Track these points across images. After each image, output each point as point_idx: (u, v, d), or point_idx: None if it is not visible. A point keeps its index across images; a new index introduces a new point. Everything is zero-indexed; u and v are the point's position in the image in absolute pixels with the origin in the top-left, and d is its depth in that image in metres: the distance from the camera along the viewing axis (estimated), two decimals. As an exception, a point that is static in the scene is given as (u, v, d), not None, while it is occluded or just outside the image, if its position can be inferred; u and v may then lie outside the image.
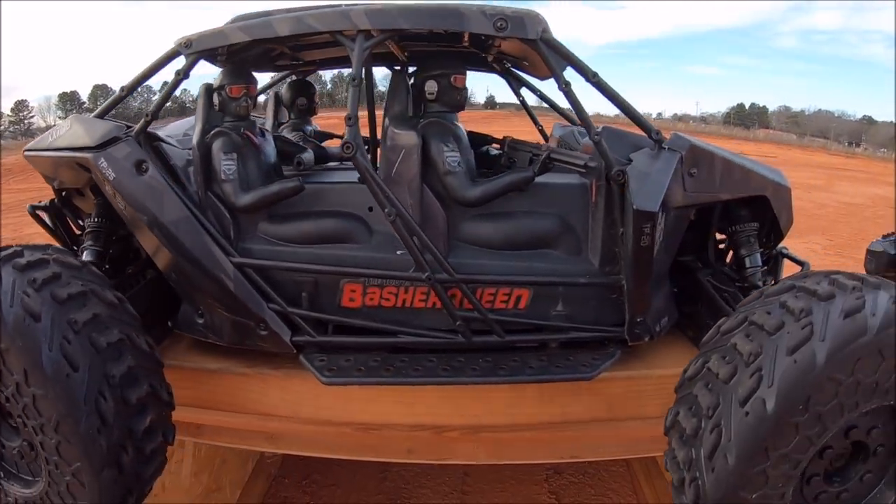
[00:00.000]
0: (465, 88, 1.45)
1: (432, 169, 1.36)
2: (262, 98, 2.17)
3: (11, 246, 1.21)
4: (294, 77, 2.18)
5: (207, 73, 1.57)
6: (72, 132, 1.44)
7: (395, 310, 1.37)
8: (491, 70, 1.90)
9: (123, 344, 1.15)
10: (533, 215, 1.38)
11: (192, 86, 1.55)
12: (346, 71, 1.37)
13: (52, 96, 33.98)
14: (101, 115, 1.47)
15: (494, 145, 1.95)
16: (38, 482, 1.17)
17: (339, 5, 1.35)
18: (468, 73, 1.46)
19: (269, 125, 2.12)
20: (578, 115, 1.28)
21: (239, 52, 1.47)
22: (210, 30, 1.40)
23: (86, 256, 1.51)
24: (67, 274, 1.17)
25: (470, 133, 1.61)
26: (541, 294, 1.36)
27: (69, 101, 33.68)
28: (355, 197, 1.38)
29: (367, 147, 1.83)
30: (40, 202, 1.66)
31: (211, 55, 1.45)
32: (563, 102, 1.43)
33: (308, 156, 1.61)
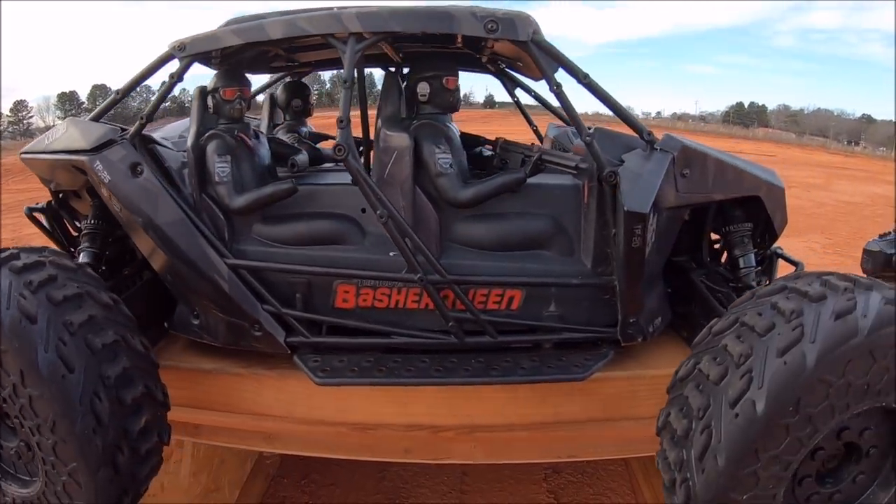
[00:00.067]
0: (457, 90, 1.45)
1: (424, 170, 1.36)
2: (259, 98, 2.17)
3: (8, 248, 1.21)
4: (289, 78, 2.18)
5: (204, 74, 1.57)
6: (68, 135, 1.44)
7: (388, 311, 1.38)
8: (485, 71, 1.90)
9: (118, 345, 1.16)
10: (525, 216, 1.38)
11: (191, 86, 1.56)
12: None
13: (51, 96, 34.08)
14: (96, 118, 1.48)
15: (487, 146, 1.95)
16: (35, 482, 1.18)
17: (332, 8, 1.35)
18: (466, 73, 1.47)
19: (264, 126, 2.12)
20: (570, 116, 1.29)
21: (233, 54, 1.48)
22: (203, 33, 1.40)
23: (82, 258, 1.52)
24: (63, 276, 1.18)
25: (462, 134, 1.62)
26: (533, 295, 1.36)
27: (68, 102, 33.71)
28: (348, 198, 1.39)
29: (360, 149, 1.83)
30: (37, 204, 1.67)
31: (205, 58, 1.46)
32: (556, 102, 1.43)
33: (302, 157, 1.61)
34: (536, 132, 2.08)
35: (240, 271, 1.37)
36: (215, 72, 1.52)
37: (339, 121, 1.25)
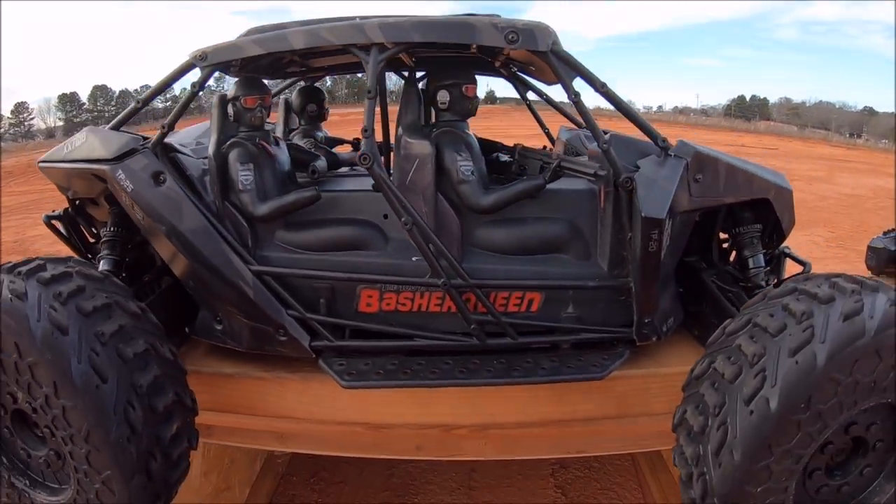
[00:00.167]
0: (476, 97, 1.48)
1: (446, 177, 1.39)
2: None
3: (33, 259, 1.23)
4: (303, 83, 2.20)
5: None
6: (88, 144, 1.46)
7: (411, 314, 1.41)
8: (498, 74, 1.92)
9: (149, 354, 1.19)
10: (544, 221, 1.42)
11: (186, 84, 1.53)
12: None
13: (52, 98, 33.90)
14: (116, 127, 1.50)
15: (504, 152, 1.97)
16: (65, 490, 1.21)
17: (354, 18, 1.37)
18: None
19: (279, 131, 2.14)
20: (587, 124, 1.32)
21: (251, 62, 1.50)
22: (225, 42, 1.42)
23: (103, 265, 1.54)
24: (91, 286, 1.19)
25: (480, 140, 1.64)
26: (552, 297, 1.40)
27: (69, 103, 33.54)
28: (370, 205, 1.42)
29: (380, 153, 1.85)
30: (54, 211, 1.69)
31: (225, 67, 1.48)
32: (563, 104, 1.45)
33: (321, 163, 1.64)
34: (548, 135, 2.11)
35: (264, 277, 1.40)
36: (235, 79, 1.55)
37: (364, 130, 1.28)
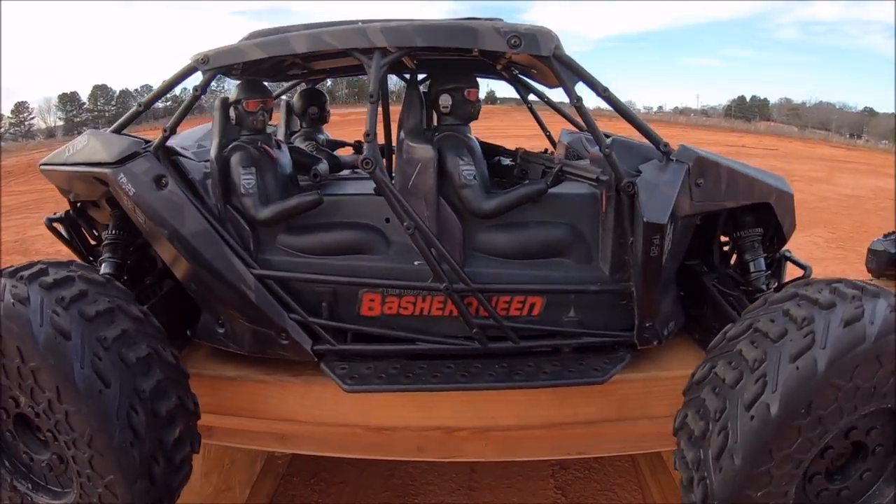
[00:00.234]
0: (478, 101, 1.48)
1: (448, 181, 1.39)
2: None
3: (34, 263, 1.23)
4: (304, 85, 2.20)
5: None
6: (89, 147, 1.46)
7: (412, 318, 1.42)
8: (500, 77, 1.92)
9: (151, 358, 1.19)
10: (545, 225, 1.42)
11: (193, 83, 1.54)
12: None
13: (52, 97, 33.91)
14: (117, 130, 1.50)
15: (506, 156, 1.97)
16: (68, 493, 1.21)
17: (356, 22, 1.37)
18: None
19: (281, 134, 2.14)
20: (590, 128, 1.32)
21: (253, 65, 1.50)
22: (227, 46, 1.42)
23: (105, 268, 1.54)
24: (93, 291, 1.19)
25: (482, 143, 1.64)
26: (553, 301, 1.41)
27: (69, 102, 33.55)
28: (372, 208, 1.42)
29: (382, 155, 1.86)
30: (55, 214, 1.69)
31: (226, 70, 1.48)
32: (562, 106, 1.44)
33: (323, 167, 1.64)
34: (550, 138, 2.11)
35: (266, 281, 1.40)
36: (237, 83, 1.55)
37: (366, 135, 1.28)
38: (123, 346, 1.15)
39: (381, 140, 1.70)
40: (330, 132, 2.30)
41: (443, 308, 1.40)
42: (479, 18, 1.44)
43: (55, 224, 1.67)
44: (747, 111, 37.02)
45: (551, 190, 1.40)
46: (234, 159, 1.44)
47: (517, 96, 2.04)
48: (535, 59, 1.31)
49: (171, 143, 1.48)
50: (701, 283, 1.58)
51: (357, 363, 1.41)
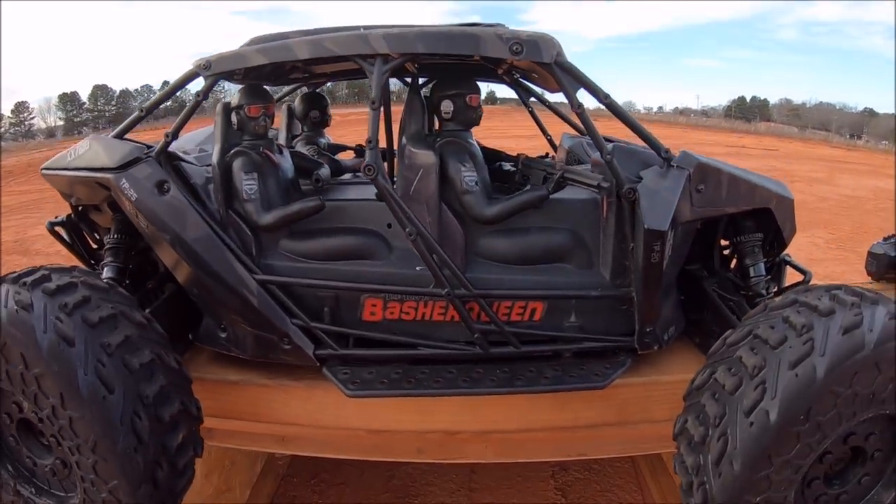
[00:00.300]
0: (479, 107, 1.49)
1: (450, 187, 1.40)
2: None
3: (37, 268, 1.23)
4: (306, 89, 2.21)
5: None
6: (91, 152, 1.46)
7: (414, 323, 1.42)
8: (501, 81, 1.93)
9: (154, 363, 1.19)
10: (547, 231, 1.43)
11: (193, 86, 1.55)
12: None
13: (52, 97, 33.93)
14: (119, 135, 1.50)
15: (508, 162, 1.98)
16: (71, 498, 1.22)
17: (359, 28, 1.38)
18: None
19: (282, 138, 2.15)
20: (591, 136, 1.32)
21: (255, 70, 1.51)
22: (229, 52, 1.43)
23: (106, 272, 1.55)
24: (97, 297, 1.20)
25: (483, 149, 1.65)
26: (555, 306, 1.41)
27: (69, 102, 33.58)
28: (374, 214, 1.43)
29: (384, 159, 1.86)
30: (57, 217, 1.69)
31: (228, 75, 1.49)
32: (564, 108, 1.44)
33: (325, 171, 1.64)
34: (550, 142, 2.12)
35: (268, 286, 1.41)
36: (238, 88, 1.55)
37: (368, 141, 1.29)
38: (127, 352, 1.16)
39: (382, 143, 1.71)
40: (330, 132, 2.30)
41: (444, 313, 1.41)
42: (480, 24, 1.44)
43: (57, 228, 1.67)
44: (747, 112, 37.02)
45: (553, 195, 1.40)
46: (236, 165, 1.44)
47: (517, 97, 2.04)
48: (536, 65, 1.32)
49: (172, 146, 1.48)
50: (701, 288, 1.59)
51: (359, 368, 1.42)
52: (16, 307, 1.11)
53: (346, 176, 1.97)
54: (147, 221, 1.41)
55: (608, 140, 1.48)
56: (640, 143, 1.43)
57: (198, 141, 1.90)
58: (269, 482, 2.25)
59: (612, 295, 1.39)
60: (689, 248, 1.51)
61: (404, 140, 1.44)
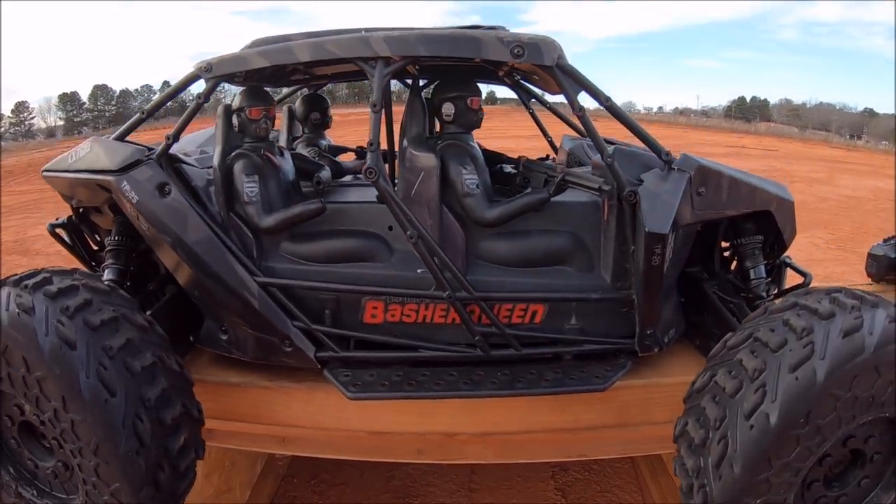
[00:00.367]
0: (480, 109, 1.49)
1: (451, 190, 1.40)
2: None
3: (38, 271, 1.23)
4: (306, 91, 2.21)
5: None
6: (92, 154, 1.47)
7: (415, 325, 1.43)
8: (502, 83, 1.93)
9: (156, 366, 1.19)
10: (548, 233, 1.43)
11: (194, 87, 1.54)
12: None
13: (53, 97, 33.93)
14: (120, 138, 1.50)
15: (509, 164, 1.98)
16: (73, 500, 1.22)
17: (360, 30, 1.38)
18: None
19: (283, 140, 2.14)
20: (592, 138, 1.32)
21: (256, 72, 1.51)
22: (230, 54, 1.43)
23: (107, 275, 1.55)
24: (98, 300, 1.20)
25: (484, 151, 1.65)
26: (555, 309, 1.42)
27: (69, 102, 33.58)
28: (375, 216, 1.43)
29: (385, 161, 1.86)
30: (58, 219, 1.69)
31: (229, 78, 1.49)
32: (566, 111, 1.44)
33: (326, 174, 1.64)
34: (551, 143, 2.12)
35: (269, 289, 1.41)
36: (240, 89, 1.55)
37: (370, 144, 1.29)
38: (128, 354, 1.16)
39: (383, 145, 1.71)
40: (330, 132, 2.30)
41: (445, 316, 1.41)
42: (481, 26, 1.45)
43: (57, 230, 1.68)
44: (747, 112, 37.02)
45: (553, 198, 1.40)
46: (237, 167, 1.45)
47: (517, 98, 2.04)
48: (538, 67, 1.32)
49: (173, 148, 1.48)
50: (701, 290, 1.59)
51: (360, 370, 1.42)
52: (17, 310, 1.11)
53: (347, 178, 1.97)
54: (148, 224, 1.41)
55: (608, 142, 1.48)
56: (640, 144, 1.44)
57: (199, 142, 1.90)
58: (270, 483, 2.25)
59: (613, 297, 1.39)
60: (689, 251, 1.51)
61: (405, 142, 1.44)
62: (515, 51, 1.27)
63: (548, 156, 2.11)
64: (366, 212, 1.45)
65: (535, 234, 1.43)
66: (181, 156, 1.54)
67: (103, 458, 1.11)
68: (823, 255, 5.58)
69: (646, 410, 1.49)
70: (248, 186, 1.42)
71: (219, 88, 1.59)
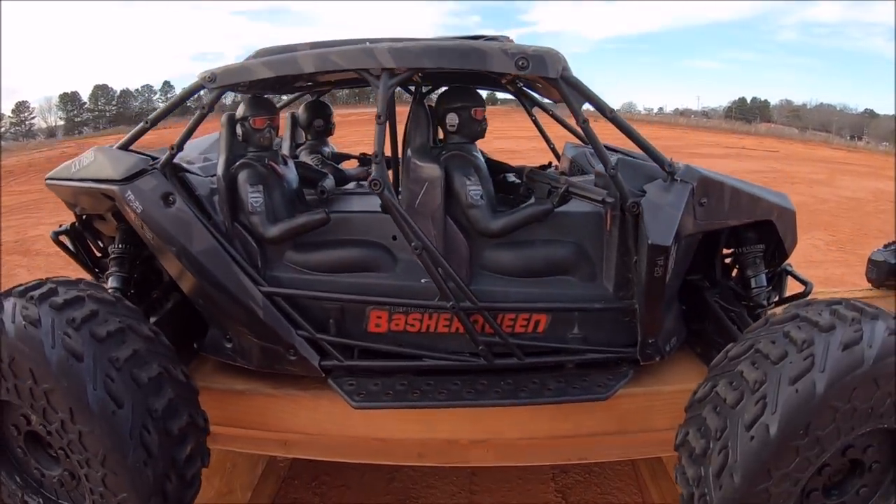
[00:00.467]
0: (484, 120, 1.49)
1: (455, 201, 1.41)
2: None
3: (43, 282, 1.23)
4: (310, 98, 2.21)
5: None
6: (96, 163, 1.47)
7: (419, 335, 1.44)
8: (504, 90, 1.94)
9: (163, 377, 1.20)
10: (551, 243, 1.44)
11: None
12: None
13: (53, 97, 33.90)
14: (124, 147, 1.50)
15: (512, 174, 1.98)
16: None
17: (365, 41, 1.38)
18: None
19: (286, 147, 2.14)
20: (595, 149, 1.33)
21: (260, 81, 1.52)
22: (235, 64, 1.44)
23: (111, 283, 1.55)
24: (104, 311, 1.20)
25: (488, 160, 1.66)
26: (558, 318, 1.43)
27: (70, 102, 33.55)
28: (379, 226, 1.44)
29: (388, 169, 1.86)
30: (61, 226, 1.70)
31: (233, 87, 1.50)
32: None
33: (330, 182, 1.65)
34: (554, 151, 2.12)
35: (274, 298, 1.42)
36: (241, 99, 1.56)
37: (375, 156, 1.29)
38: (135, 366, 1.17)
39: (386, 152, 1.71)
40: (333, 140, 2.30)
41: (449, 325, 1.42)
42: (485, 36, 1.45)
43: (61, 237, 1.68)
44: (748, 113, 37.00)
45: (557, 209, 1.41)
46: (242, 177, 1.45)
47: (517, 100, 2.03)
48: (542, 79, 1.33)
49: (178, 158, 1.48)
50: (703, 298, 1.60)
51: (364, 379, 1.43)
52: (24, 322, 1.12)
53: (350, 185, 1.98)
54: (152, 233, 1.41)
55: (610, 149, 1.49)
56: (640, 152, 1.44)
57: (201, 148, 1.91)
58: (271, 484, 2.25)
59: (615, 307, 1.40)
60: (691, 260, 1.52)
61: (409, 152, 1.45)
62: (520, 63, 1.27)
63: (550, 163, 2.12)
64: (370, 222, 1.46)
65: (539, 245, 1.44)
66: (185, 165, 1.54)
67: (111, 469, 1.12)
68: (823, 257, 5.59)
69: (647, 418, 1.50)
70: (253, 196, 1.43)
71: (224, 95, 1.59)
